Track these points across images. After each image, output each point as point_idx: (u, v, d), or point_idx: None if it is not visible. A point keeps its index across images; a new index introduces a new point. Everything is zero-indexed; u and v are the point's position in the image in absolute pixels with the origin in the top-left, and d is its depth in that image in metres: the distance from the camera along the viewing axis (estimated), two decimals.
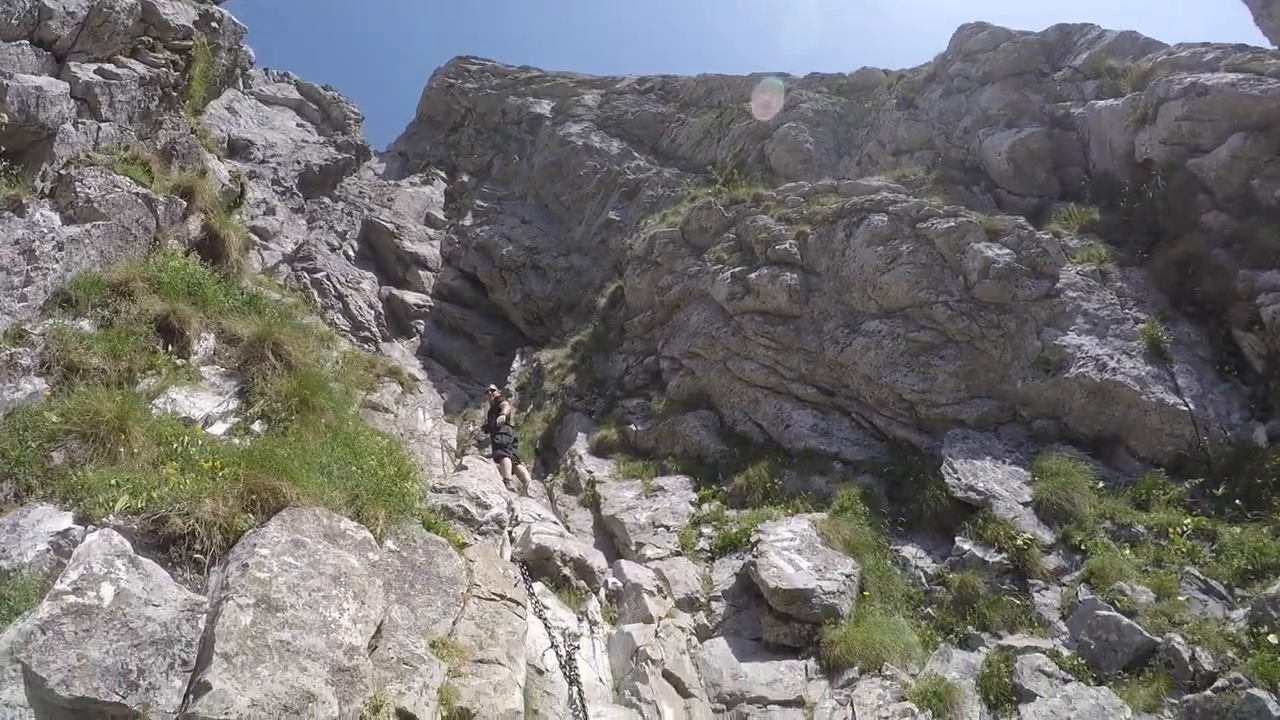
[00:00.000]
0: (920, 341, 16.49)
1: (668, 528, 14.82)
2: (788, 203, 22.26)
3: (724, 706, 9.91)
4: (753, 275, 19.93)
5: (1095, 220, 18.52)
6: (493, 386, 20.42)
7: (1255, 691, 8.21)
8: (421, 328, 35.10)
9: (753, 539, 12.84)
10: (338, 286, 33.34)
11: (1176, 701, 8.77)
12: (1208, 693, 8.57)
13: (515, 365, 29.98)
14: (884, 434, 16.46)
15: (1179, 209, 16.90)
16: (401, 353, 31.35)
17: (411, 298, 36.29)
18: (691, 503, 15.92)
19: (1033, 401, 15.11)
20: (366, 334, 31.68)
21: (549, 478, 19.10)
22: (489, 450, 17.59)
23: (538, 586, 10.31)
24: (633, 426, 19.91)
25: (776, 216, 21.65)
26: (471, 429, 20.82)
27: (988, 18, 28.27)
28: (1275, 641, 8.94)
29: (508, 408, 19.26)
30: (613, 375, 23.45)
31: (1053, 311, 15.83)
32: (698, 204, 24.77)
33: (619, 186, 37.10)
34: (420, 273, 38.11)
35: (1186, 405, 13.55)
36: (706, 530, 14.50)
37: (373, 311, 33.86)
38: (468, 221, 40.57)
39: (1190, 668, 9.05)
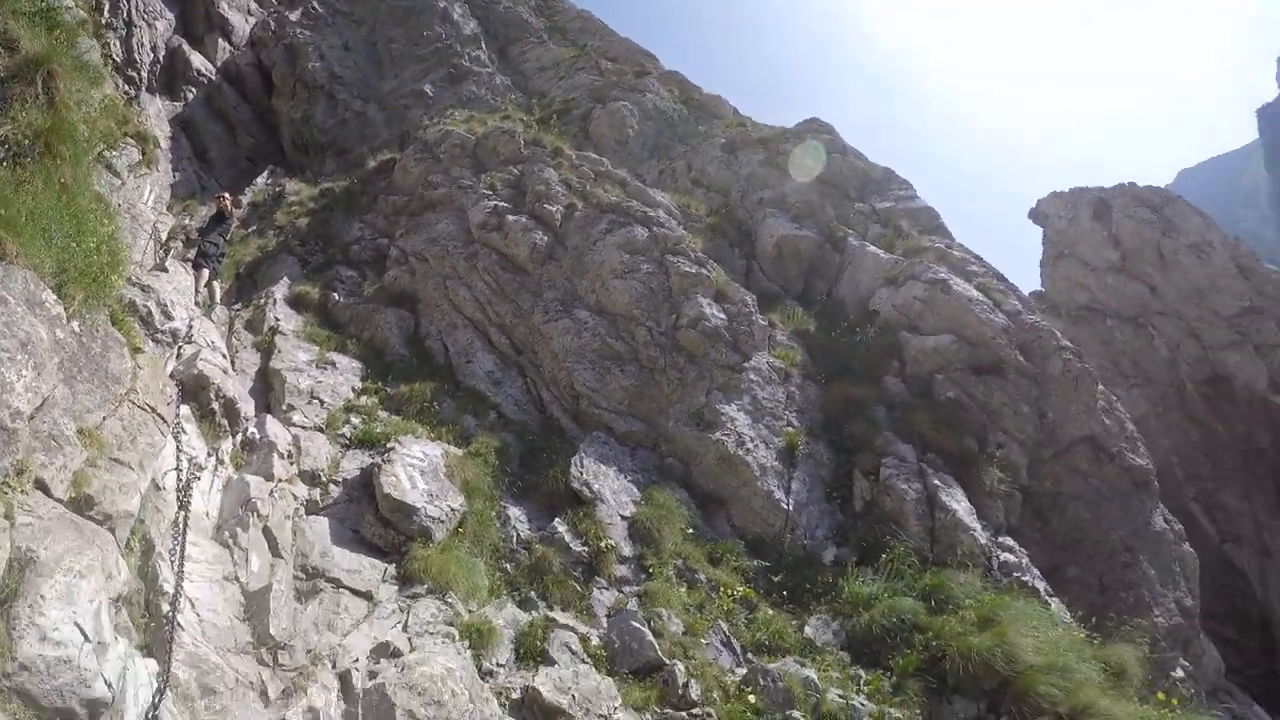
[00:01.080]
0: (613, 349, 17.72)
1: (322, 402, 15.02)
2: (580, 172, 23.00)
3: (304, 576, 10.29)
4: (511, 218, 20.62)
5: (809, 331, 20.63)
6: (226, 194, 19.78)
7: None
8: (190, 96, 32.51)
9: (389, 445, 13.36)
10: (133, 12, 30.37)
11: (660, 710, 10.28)
12: (683, 714, 10.22)
13: (259, 180, 28.89)
14: (544, 408, 17.48)
15: (874, 362, 19.31)
16: (158, 112, 28.89)
17: (197, 60, 33.54)
18: (354, 389, 16.15)
19: (674, 442, 16.57)
20: (134, 76, 29.27)
21: (237, 307, 18.70)
22: (194, 252, 17.30)
23: (184, 409, 10.43)
24: (337, 295, 19.90)
25: (562, 178, 22.37)
26: (187, 223, 20.05)
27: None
28: (753, 701, 10.67)
29: (232, 221, 18.97)
30: (344, 238, 23.40)
31: (729, 382, 17.40)
32: (504, 126, 25.11)
33: (449, 65, 36.09)
34: (220, 41, 35.46)
35: (787, 506, 15.46)
36: (355, 420, 14.79)
37: (152, 56, 31.17)
38: (294, 16, 38.09)
39: (680, 692, 10.54)
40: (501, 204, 21.23)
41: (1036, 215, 39.70)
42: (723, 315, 18.56)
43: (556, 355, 17.78)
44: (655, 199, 22.69)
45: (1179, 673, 15.82)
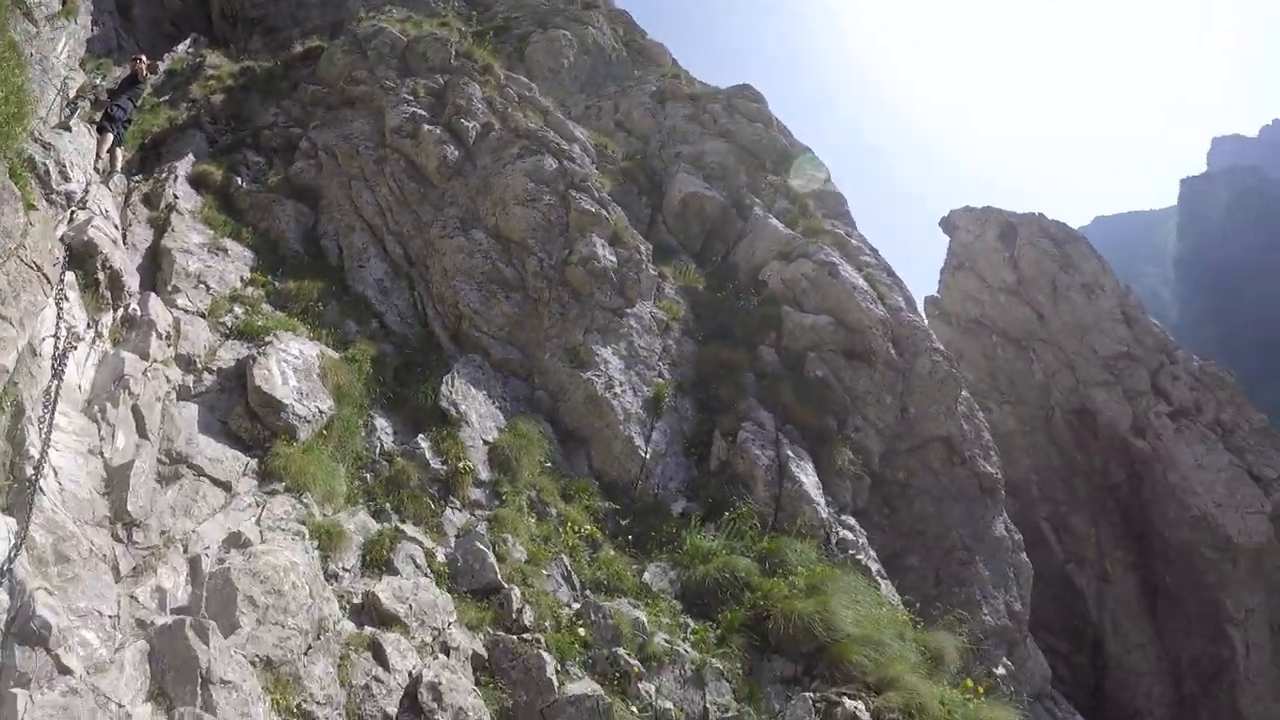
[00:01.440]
0: (501, 274, 17.94)
1: (208, 288, 14.72)
2: (505, 93, 22.86)
3: (167, 460, 10.40)
4: (427, 127, 20.44)
5: (697, 289, 21.33)
6: (144, 58, 18.95)
7: (544, 654, 10.61)
8: None
9: (267, 339, 13.33)
10: None
11: (492, 632, 10.97)
12: (514, 638, 10.90)
13: (181, 48, 27.67)
14: (427, 324, 17.60)
15: (753, 329, 20.13)
16: None
17: None
18: (243, 279, 15.84)
19: (547, 375, 17.03)
20: None
21: (137, 178, 18.04)
22: (101, 115, 16.62)
23: (69, 276, 10.34)
24: (240, 180, 19.38)
25: (485, 95, 22.20)
26: (99, 83, 19.28)
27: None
28: (583, 634, 11.40)
29: (145, 86, 18.46)
30: (257, 121, 22.75)
31: (609, 325, 17.87)
32: (438, 33, 24.69)
33: None
34: None
35: (645, 454, 16.16)
36: (239, 310, 14.56)
37: None
38: None
39: (515, 616, 11.26)
40: (420, 112, 21.03)
41: (946, 224, 41.30)
42: (614, 258, 18.92)
43: (447, 272, 17.90)
44: (573, 133, 22.80)
45: (1001, 670, 16.93)
